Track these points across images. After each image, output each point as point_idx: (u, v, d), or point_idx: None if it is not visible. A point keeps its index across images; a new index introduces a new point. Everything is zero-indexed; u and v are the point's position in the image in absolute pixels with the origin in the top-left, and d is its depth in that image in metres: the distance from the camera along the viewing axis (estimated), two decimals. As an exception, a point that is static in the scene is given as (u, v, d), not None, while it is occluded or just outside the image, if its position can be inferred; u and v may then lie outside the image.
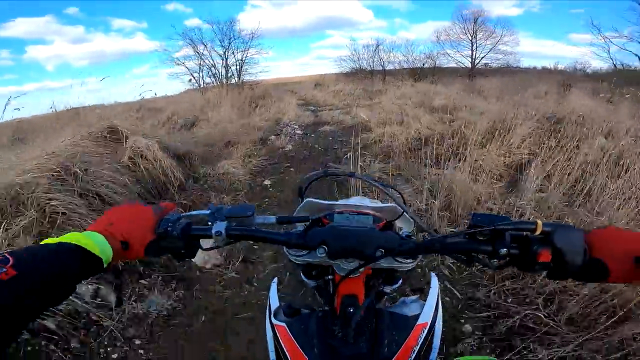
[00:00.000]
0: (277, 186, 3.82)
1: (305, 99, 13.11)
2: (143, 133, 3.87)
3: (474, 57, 17.10)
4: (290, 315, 0.62)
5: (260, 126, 7.26)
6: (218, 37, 13.31)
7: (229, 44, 13.40)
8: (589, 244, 0.48)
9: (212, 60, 13.39)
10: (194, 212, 0.64)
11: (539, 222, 0.49)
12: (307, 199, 0.75)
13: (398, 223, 0.76)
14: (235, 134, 5.85)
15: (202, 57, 13.25)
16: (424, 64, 17.49)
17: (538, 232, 0.49)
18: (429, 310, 0.60)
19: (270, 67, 29.26)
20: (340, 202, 0.78)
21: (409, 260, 0.65)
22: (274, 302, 0.67)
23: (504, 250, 0.50)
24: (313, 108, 10.45)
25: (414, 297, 0.68)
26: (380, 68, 17.92)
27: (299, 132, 6.84)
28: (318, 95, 13.16)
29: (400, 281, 0.76)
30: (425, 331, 0.56)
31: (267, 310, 0.66)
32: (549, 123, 3.49)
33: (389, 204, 0.72)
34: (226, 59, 13.42)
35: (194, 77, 13.24)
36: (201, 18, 16.19)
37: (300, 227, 0.72)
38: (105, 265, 0.49)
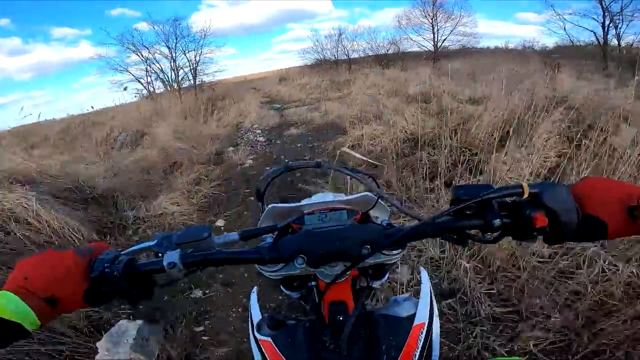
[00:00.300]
0: (233, 227, 2.85)
1: (269, 96, 12.17)
2: (49, 171, 2.78)
3: (436, 40, 16.63)
4: (274, 327, 0.58)
5: (217, 134, 6.26)
6: (162, 38, 11.71)
7: (176, 44, 11.87)
8: (577, 199, 0.43)
9: (159, 63, 11.85)
10: (135, 247, 0.53)
11: (524, 184, 0.44)
12: (271, 205, 0.66)
13: (373, 212, 0.64)
14: (183, 150, 4.80)
15: (148, 61, 11.68)
16: (388, 50, 16.91)
17: (526, 196, 0.44)
18: (424, 309, 0.55)
19: (230, 65, 27.97)
20: (304, 202, 0.69)
21: (397, 251, 0.59)
22: (256, 314, 0.62)
23: (497, 222, 0.44)
24: (278, 106, 9.56)
25: (406, 295, 0.62)
26: (345, 57, 17.14)
27: (261, 139, 5.86)
28: (283, 91, 12.23)
29: (388, 274, 0.70)
30: (424, 332, 0.52)
31: (250, 324, 0.61)
32: (570, 114, 2.76)
33: (361, 193, 0.66)
34: (174, 60, 11.92)
35: (142, 83, 11.72)
36: (151, 21, 14.19)
37: (268, 238, 0.63)
38: (31, 329, 0.41)
